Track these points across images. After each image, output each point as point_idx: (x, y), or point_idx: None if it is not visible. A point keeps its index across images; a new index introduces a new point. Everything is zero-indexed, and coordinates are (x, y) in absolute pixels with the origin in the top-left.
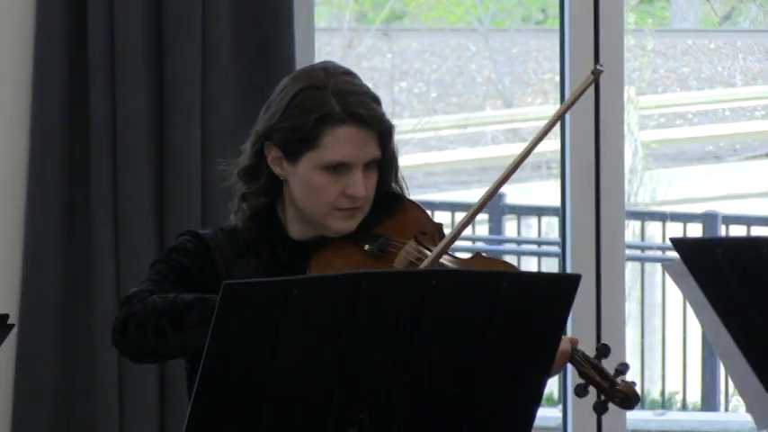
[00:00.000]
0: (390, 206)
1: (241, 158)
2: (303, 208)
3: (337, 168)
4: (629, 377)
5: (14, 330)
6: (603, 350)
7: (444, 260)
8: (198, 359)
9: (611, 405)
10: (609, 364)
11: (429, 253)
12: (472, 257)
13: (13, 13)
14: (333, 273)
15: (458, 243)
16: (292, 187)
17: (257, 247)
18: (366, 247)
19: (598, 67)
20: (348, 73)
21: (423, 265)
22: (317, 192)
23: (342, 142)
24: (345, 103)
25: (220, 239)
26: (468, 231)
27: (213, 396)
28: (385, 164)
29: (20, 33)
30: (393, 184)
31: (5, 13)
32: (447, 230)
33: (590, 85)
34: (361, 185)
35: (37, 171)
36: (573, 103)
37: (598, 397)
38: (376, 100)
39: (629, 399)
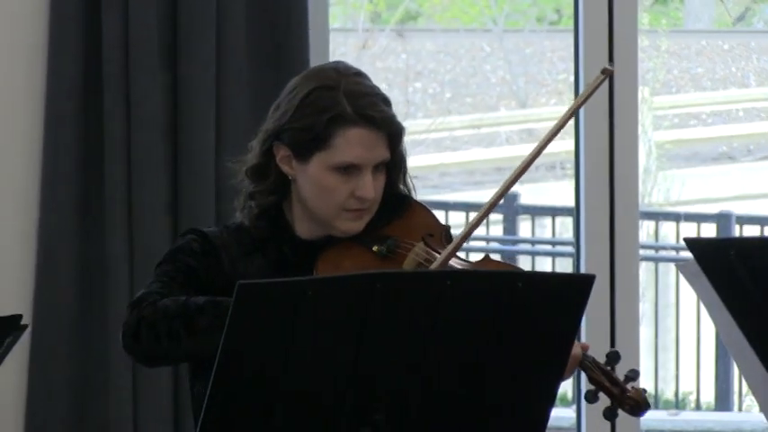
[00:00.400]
0: (398, 207)
1: (249, 156)
2: (311, 208)
3: (347, 169)
4: (639, 384)
5: (28, 330)
6: (614, 357)
7: (453, 262)
8: (201, 362)
9: (620, 411)
10: (620, 370)
11: (437, 255)
12: (482, 260)
13: (27, 13)
14: (345, 273)
15: (471, 243)
16: (301, 187)
17: (264, 245)
18: (375, 248)
19: (608, 66)
20: (359, 74)
21: (433, 266)
22: (326, 192)
23: (353, 144)
24: (357, 105)
25: (226, 238)
26: (482, 232)
27: (227, 396)
28: (394, 165)
29: (34, 34)
30: (401, 186)
31: (19, 14)
32: (458, 231)
33: (600, 84)
34: (371, 187)
35: (51, 171)
36: (583, 102)
37: (610, 403)
38: (387, 101)
39: (639, 405)
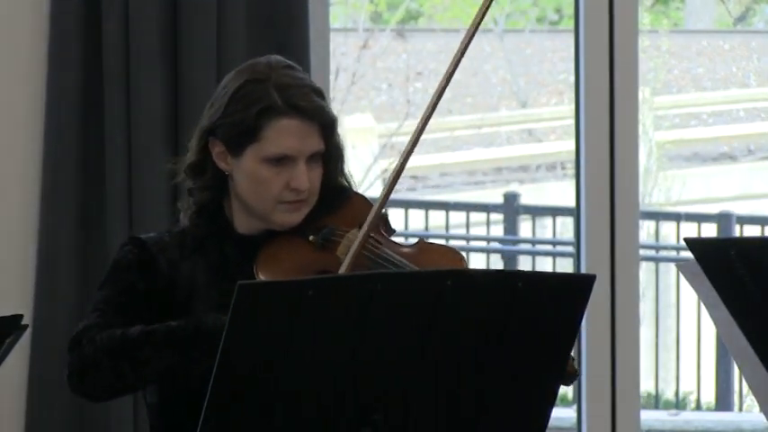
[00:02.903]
0: (337, 199)
1: (188, 155)
2: (248, 202)
3: (281, 161)
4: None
5: (28, 331)
6: None
7: (390, 249)
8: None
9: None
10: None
11: (373, 241)
12: (415, 244)
13: (28, 12)
14: (283, 267)
15: (471, 243)
16: (237, 182)
17: (203, 245)
18: (311, 237)
19: None
20: (291, 66)
21: (353, 249)
22: (261, 185)
23: (284, 134)
24: (287, 96)
25: (166, 241)
26: (482, 231)
27: (227, 396)
28: (330, 157)
29: (34, 33)
30: (340, 179)
31: (20, 13)
32: (457, 231)
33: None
34: (305, 178)
35: (51, 172)
36: (479, 23)
37: None
38: (318, 92)
39: (568, 373)
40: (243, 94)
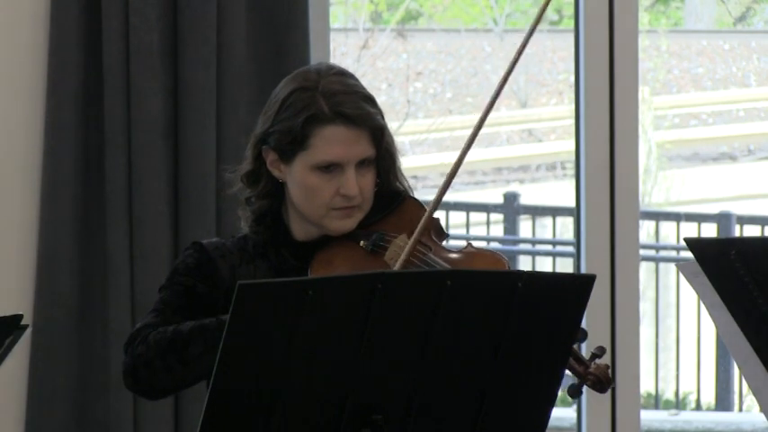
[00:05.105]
0: (391, 203)
1: (243, 164)
2: (301, 209)
3: (330, 168)
4: (613, 364)
5: (28, 331)
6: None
7: (437, 257)
8: None
9: (589, 390)
10: (608, 357)
11: (422, 247)
12: (463, 249)
13: (28, 13)
14: (339, 272)
15: (472, 243)
16: (290, 189)
17: (264, 250)
18: (361, 243)
19: None
20: (341, 73)
21: (404, 254)
22: (312, 192)
23: (331, 142)
24: (333, 103)
25: (228, 246)
26: (482, 232)
27: (228, 396)
28: (381, 162)
29: (35, 34)
30: (395, 183)
31: (21, 14)
32: (456, 232)
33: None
34: (354, 184)
35: (51, 172)
36: (540, 17)
37: (575, 380)
38: (368, 99)
39: (601, 381)
40: (291, 102)
